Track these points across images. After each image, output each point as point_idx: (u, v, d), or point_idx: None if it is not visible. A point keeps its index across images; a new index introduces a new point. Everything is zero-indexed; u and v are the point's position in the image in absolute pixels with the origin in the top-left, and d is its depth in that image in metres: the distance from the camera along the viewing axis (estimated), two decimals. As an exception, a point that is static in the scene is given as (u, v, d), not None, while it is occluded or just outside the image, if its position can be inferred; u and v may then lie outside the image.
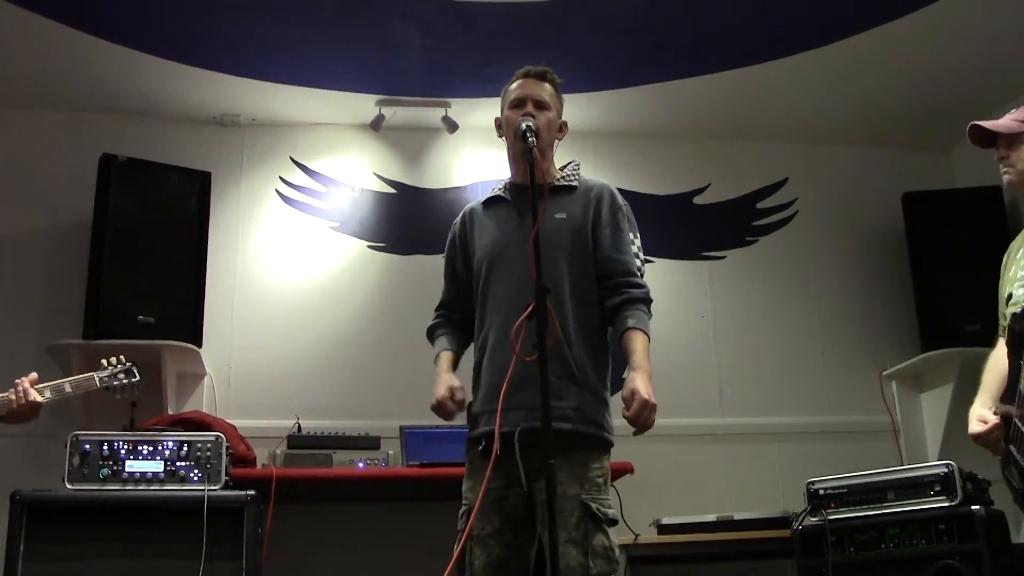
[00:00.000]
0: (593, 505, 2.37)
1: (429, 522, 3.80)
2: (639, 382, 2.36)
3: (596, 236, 2.59)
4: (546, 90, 2.66)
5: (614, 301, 2.55)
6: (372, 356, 4.32)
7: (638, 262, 2.68)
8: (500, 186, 2.73)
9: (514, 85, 2.68)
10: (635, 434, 2.38)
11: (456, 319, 2.75)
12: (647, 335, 2.49)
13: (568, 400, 2.42)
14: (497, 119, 2.74)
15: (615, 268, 2.57)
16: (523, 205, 2.54)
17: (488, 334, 2.56)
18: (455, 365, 2.66)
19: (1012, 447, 2.34)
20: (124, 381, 2.98)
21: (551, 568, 2.10)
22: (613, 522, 2.42)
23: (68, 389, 2.83)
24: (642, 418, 2.34)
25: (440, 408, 2.50)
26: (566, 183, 2.67)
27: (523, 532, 2.45)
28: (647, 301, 2.57)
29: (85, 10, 3.76)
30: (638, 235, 2.76)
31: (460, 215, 2.79)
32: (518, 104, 2.63)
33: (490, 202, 2.72)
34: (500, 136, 2.73)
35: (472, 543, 2.43)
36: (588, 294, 2.56)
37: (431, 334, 2.76)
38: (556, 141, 2.70)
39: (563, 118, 2.73)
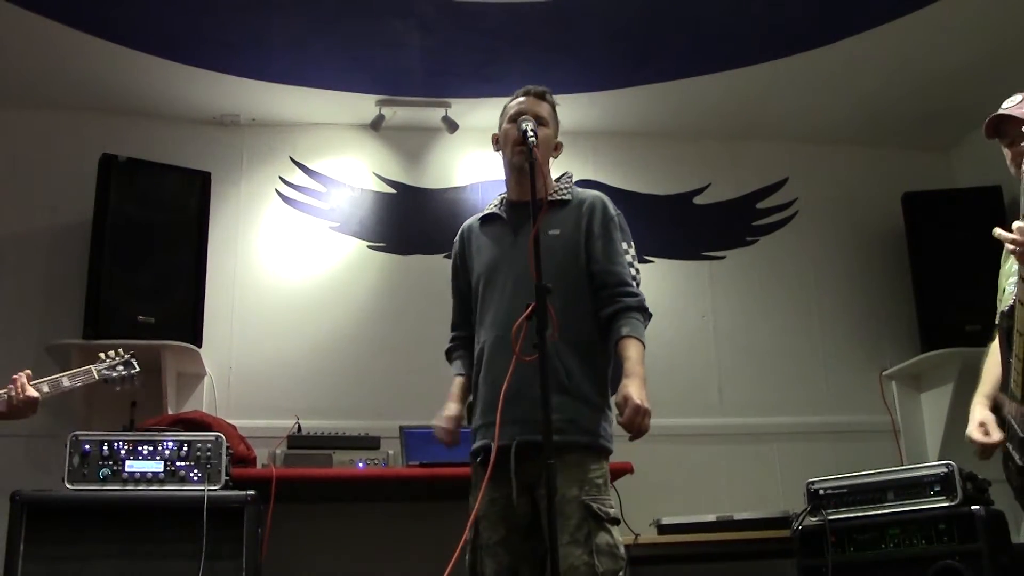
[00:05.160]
0: (594, 505, 2.41)
1: (429, 522, 3.82)
2: (632, 388, 2.40)
3: (589, 249, 2.64)
4: (545, 108, 2.73)
5: (609, 311, 2.59)
6: (372, 356, 4.32)
7: (632, 271, 2.74)
8: (496, 202, 2.79)
9: (514, 102, 2.75)
10: (631, 439, 2.43)
11: (469, 339, 2.79)
12: (642, 342, 2.53)
13: (559, 412, 2.40)
14: (494, 135, 2.79)
15: (609, 279, 2.61)
16: (518, 223, 2.63)
17: (483, 349, 2.63)
18: (468, 390, 2.74)
19: (1009, 444, 2.34)
20: (123, 373, 2.98)
21: (552, 569, 2.11)
22: (615, 521, 2.46)
23: (66, 382, 2.83)
24: (635, 423, 2.38)
25: (437, 436, 2.68)
26: (559, 197, 2.70)
27: (531, 539, 2.49)
28: (642, 309, 2.60)
29: (85, 10, 3.76)
30: (632, 243, 2.82)
31: (459, 233, 2.86)
32: (517, 119, 2.66)
33: (487, 219, 2.77)
34: (497, 151, 2.77)
35: (482, 552, 2.50)
36: (580, 307, 2.60)
37: (448, 357, 2.85)
38: (552, 159, 2.75)
39: (559, 137, 2.78)
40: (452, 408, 2.68)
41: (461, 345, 2.81)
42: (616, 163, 4.72)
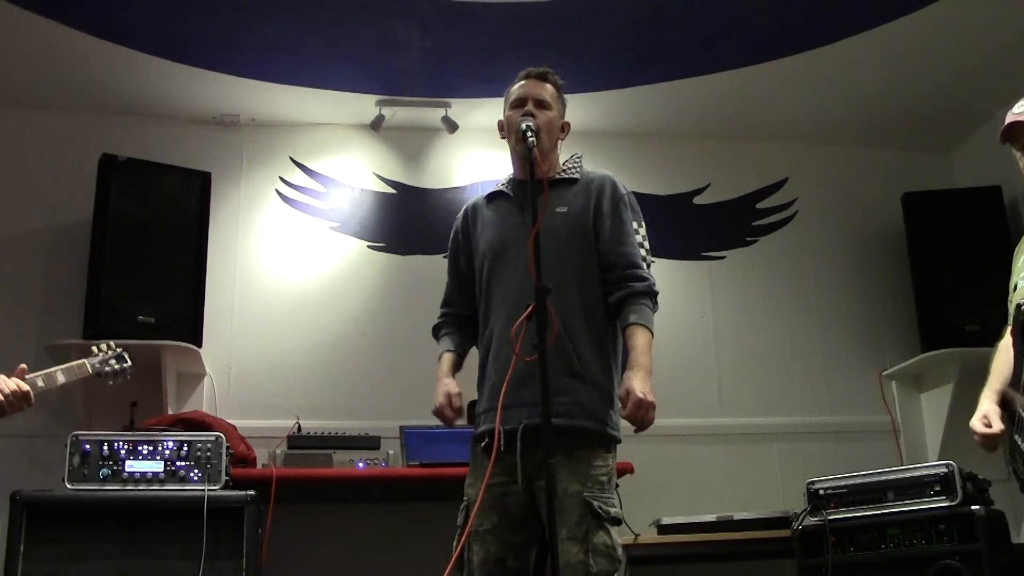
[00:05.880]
0: (595, 503, 2.37)
1: (429, 522, 3.81)
2: (635, 380, 2.36)
3: (598, 228, 2.58)
4: (547, 90, 2.66)
5: (617, 295, 2.53)
6: (372, 356, 4.32)
7: (643, 252, 2.64)
8: (503, 181, 2.74)
9: (515, 86, 2.69)
10: (636, 432, 2.38)
11: (460, 316, 2.74)
12: (649, 330, 2.47)
13: (568, 395, 2.40)
14: (500, 121, 2.73)
15: (617, 260, 2.55)
16: (524, 200, 2.53)
17: (492, 332, 2.57)
18: (457, 366, 2.67)
19: (1016, 436, 2.34)
20: (116, 367, 2.96)
21: (552, 567, 2.09)
22: (616, 521, 2.41)
23: (61, 377, 2.81)
24: (638, 417, 2.34)
25: (439, 415, 2.55)
26: (567, 176, 2.66)
27: (523, 531, 2.45)
28: (651, 294, 2.54)
29: (85, 10, 3.76)
30: (643, 224, 2.71)
31: (463, 210, 2.79)
32: (519, 104, 2.63)
33: (492, 197, 2.72)
34: (503, 138, 2.72)
35: (471, 539, 2.42)
36: (591, 288, 2.56)
37: (435, 333, 2.77)
38: (559, 141, 2.70)
39: (565, 119, 2.73)
40: (450, 384, 2.57)
41: (451, 322, 2.74)
42: (616, 163, 4.70)
